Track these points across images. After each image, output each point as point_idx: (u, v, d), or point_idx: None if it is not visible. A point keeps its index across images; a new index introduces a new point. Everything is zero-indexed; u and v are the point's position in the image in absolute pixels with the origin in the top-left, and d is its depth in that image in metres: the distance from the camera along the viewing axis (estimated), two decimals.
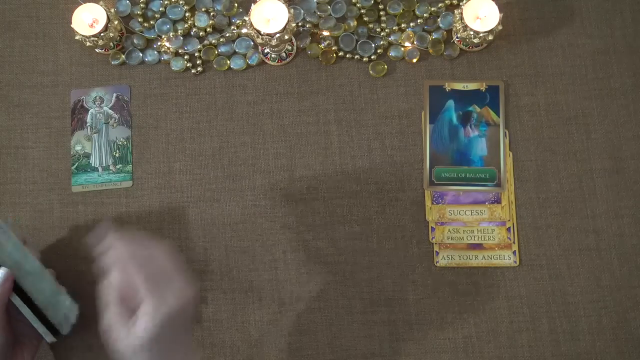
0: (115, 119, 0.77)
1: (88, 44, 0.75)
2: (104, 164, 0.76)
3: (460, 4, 0.75)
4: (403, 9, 0.79)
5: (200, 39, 0.79)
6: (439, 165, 0.76)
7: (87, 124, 0.77)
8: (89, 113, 0.77)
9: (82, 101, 0.78)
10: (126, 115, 0.77)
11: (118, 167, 0.76)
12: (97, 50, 0.78)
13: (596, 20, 0.79)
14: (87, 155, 0.76)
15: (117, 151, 0.76)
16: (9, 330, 0.64)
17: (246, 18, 0.77)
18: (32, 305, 0.63)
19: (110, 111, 0.77)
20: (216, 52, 0.79)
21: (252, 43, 0.78)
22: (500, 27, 0.73)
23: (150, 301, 0.54)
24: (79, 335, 0.72)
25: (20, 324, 0.65)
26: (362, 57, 0.78)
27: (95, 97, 0.77)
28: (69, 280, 0.73)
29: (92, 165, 0.76)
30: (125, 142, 0.76)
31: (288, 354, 0.72)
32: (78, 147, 0.76)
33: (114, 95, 0.77)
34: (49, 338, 0.64)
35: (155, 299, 0.54)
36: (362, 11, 0.79)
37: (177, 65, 0.78)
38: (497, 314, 0.73)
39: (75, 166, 0.76)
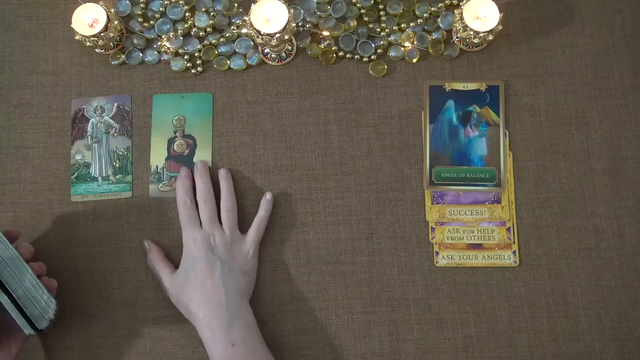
0: (116, 129, 0.77)
1: (88, 44, 0.75)
2: (104, 174, 0.76)
3: (460, 4, 0.75)
4: (403, 9, 0.79)
5: (200, 39, 0.79)
6: (439, 165, 0.76)
7: (88, 134, 0.77)
8: (90, 122, 0.77)
9: (83, 110, 0.77)
10: (127, 125, 0.77)
11: (118, 177, 0.76)
12: (97, 50, 0.78)
13: (596, 20, 0.79)
14: (87, 165, 0.76)
15: (117, 161, 0.76)
16: None
17: (246, 18, 0.77)
18: (11, 297, 0.62)
19: (110, 121, 0.77)
20: (216, 52, 0.79)
21: (252, 43, 0.78)
22: (500, 27, 0.73)
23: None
24: (77, 333, 0.72)
25: (9, 316, 0.65)
26: (362, 57, 0.78)
27: (96, 106, 0.77)
28: (67, 280, 0.73)
29: (92, 175, 0.76)
30: (125, 152, 0.76)
31: (288, 354, 0.72)
32: (78, 157, 0.76)
33: (115, 104, 0.77)
34: (27, 330, 0.63)
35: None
36: (362, 11, 0.79)
37: (177, 65, 0.78)
38: (497, 314, 0.73)
39: (75, 175, 0.76)
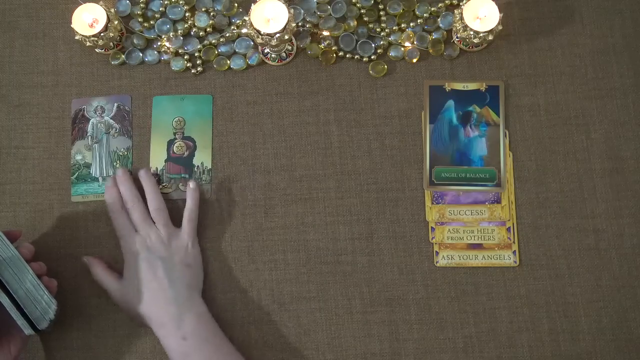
0: (116, 129, 0.77)
1: (88, 44, 0.75)
2: (104, 174, 0.76)
3: (460, 4, 0.75)
4: (403, 9, 0.79)
5: (200, 39, 0.79)
6: (439, 165, 0.76)
7: (88, 134, 0.77)
8: (90, 123, 0.77)
9: (83, 110, 0.77)
10: (127, 126, 0.77)
11: None
12: (97, 50, 0.78)
13: (596, 20, 0.79)
14: (88, 165, 0.76)
15: (118, 161, 0.76)
16: None
17: (246, 18, 0.77)
18: (11, 297, 0.62)
19: (111, 121, 0.77)
20: (216, 52, 0.79)
21: (252, 43, 0.78)
22: (500, 27, 0.73)
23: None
24: (77, 333, 0.72)
25: (9, 317, 0.65)
26: (362, 57, 0.78)
27: (97, 106, 0.77)
28: (67, 280, 0.73)
29: (92, 175, 0.76)
30: (125, 153, 0.76)
31: (288, 354, 0.72)
32: (78, 157, 0.76)
33: (115, 105, 0.77)
34: (27, 331, 0.63)
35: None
36: (362, 11, 0.79)
37: (177, 65, 0.78)
38: (497, 314, 0.73)
39: (75, 176, 0.76)
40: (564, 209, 0.75)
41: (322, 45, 0.78)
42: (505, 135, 0.76)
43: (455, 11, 0.75)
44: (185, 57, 0.78)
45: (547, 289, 0.73)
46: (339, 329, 0.73)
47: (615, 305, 0.72)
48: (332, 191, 0.76)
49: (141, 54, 0.79)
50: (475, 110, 0.77)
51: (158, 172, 0.75)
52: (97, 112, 0.77)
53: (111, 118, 0.77)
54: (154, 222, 0.72)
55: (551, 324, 0.72)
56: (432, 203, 0.75)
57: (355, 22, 0.79)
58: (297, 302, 0.73)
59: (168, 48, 0.78)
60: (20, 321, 0.62)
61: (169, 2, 0.79)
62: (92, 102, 0.78)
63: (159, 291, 0.68)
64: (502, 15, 0.73)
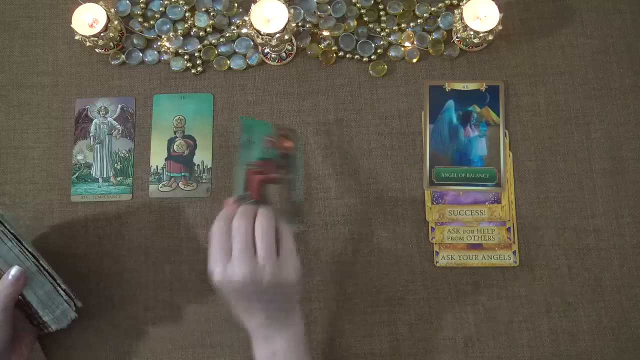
0: (119, 131, 0.77)
1: (88, 44, 0.75)
2: (105, 175, 0.76)
3: (460, 4, 0.75)
4: (403, 9, 0.79)
5: (200, 39, 0.79)
6: (439, 165, 0.76)
7: (91, 134, 0.77)
8: (93, 123, 0.77)
9: (87, 110, 0.77)
10: (130, 128, 0.77)
11: (118, 179, 0.76)
12: (97, 50, 0.78)
13: (596, 20, 0.79)
14: (89, 166, 0.76)
15: (119, 163, 0.76)
16: (14, 325, 0.65)
17: (246, 18, 0.77)
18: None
19: (114, 122, 0.77)
20: (216, 52, 0.79)
21: (252, 43, 0.78)
22: (500, 27, 0.73)
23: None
24: (77, 333, 0.72)
25: (16, 320, 0.66)
26: (362, 57, 0.78)
27: (100, 107, 0.77)
28: (68, 280, 0.73)
29: (93, 175, 0.76)
30: (127, 155, 0.76)
31: None
32: (80, 157, 0.76)
33: (119, 106, 0.77)
34: (55, 326, 0.67)
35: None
36: (362, 11, 0.79)
37: (177, 65, 0.78)
38: (497, 314, 0.73)
39: (75, 175, 0.76)
40: (564, 209, 0.75)
41: (322, 45, 0.78)
42: (505, 135, 0.76)
43: (455, 11, 0.75)
44: (185, 57, 0.78)
45: (547, 289, 0.73)
46: (339, 329, 0.73)
47: (615, 305, 0.72)
48: (332, 191, 0.76)
49: (141, 54, 0.79)
50: (475, 110, 0.77)
51: (159, 171, 0.75)
52: (101, 113, 0.77)
53: (114, 119, 0.77)
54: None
55: (551, 324, 0.72)
56: (432, 203, 0.75)
57: (355, 22, 0.79)
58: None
59: (168, 48, 0.78)
60: (47, 317, 0.66)
61: (169, 2, 0.79)
62: (96, 103, 0.78)
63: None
64: (502, 15, 0.73)
